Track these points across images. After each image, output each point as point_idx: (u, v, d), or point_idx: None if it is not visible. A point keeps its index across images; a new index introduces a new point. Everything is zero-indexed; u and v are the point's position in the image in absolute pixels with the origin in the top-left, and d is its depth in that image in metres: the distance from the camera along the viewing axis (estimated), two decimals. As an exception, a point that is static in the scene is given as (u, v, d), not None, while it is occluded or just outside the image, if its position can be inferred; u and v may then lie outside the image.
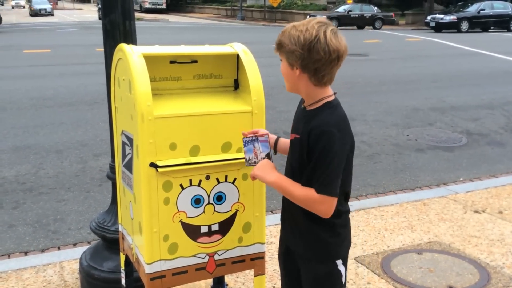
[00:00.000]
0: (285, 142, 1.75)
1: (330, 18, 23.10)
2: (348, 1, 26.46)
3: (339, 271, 1.59)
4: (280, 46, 1.52)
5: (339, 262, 1.59)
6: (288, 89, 1.59)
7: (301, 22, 1.50)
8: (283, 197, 1.63)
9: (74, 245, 3.14)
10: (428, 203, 3.76)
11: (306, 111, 1.55)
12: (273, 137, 1.76)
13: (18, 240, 3.19)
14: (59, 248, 3.09)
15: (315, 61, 1.44)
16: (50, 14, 37.99)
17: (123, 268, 2.12)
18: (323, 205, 1.45)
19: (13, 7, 52.73)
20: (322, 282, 1.59)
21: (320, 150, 1.43)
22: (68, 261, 2.81)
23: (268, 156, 1.61)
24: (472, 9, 22.93)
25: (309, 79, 1.49)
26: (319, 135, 1.44)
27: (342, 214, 1.58)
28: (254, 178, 1.62)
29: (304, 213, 1.55)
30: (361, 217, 3.47)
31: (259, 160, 1.62)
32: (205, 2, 41.48)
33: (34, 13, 37.06)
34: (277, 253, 1.80)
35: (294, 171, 1.55)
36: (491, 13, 22.74)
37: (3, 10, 47.49)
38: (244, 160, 1.66)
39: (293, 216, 1.61)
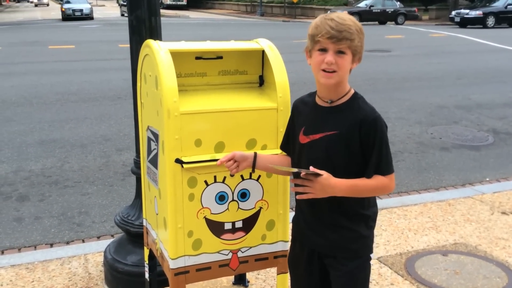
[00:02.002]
0: (265, 158, 1.66)
1: (351, 13, 22.66)
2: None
3: (370, 265, 1.61)
4: (351, 40, 1.43)
5: (372, 255, 1.61)
6: (333, 85, 1.48)
7: (344, 14, 1.48)
8: (307, 201, 1.56)
9: (98, 238, 3.19)
10: (454, 203, 3.67)
11: (333, 107, 1.52)
12: (249, 155, 1.63)
13: (44, 232, 3.27)
14: (83, 241, 3.15)
15: (363, 48, 1.49)
16: (88, 16, 27.39)
17: (147, 262, 2.14)
18: (391, 184, 1.52)
19: (36, 5, 49.41)
20: (357, 277, 1.58)
21: (379, 136, 1.47)
22: (92, 253, 2.85)
23: (316, 174, 1.44)
24: (499, 4, 22.23)
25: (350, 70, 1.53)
26: (374, 123, 1.47)
27: (371, 207, 1.58)
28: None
29: (338, 211, 1.54)
30: (384, 216, 3.42)
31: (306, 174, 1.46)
32: (225, -2, 41.57)
33: (66, 16, 26.97)
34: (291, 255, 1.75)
35: (335, 167, 1.48)
36: (519, 8, 22.02)
37: (29, 7, 48.50)
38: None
39: (323, 217, 1.57)
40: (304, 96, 1.64)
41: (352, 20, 1.46)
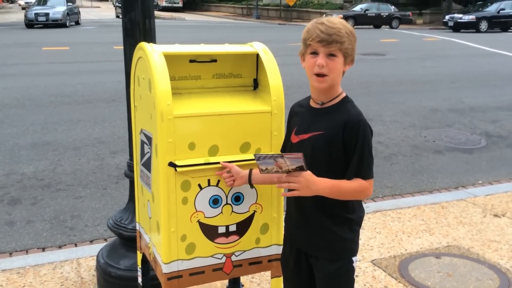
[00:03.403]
0: (258, 173, 1.65)
1: (346, 17, 22.86)
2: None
3: (353, 268, 1.62)
4: (341, 42, 1.46)
5: (355, 259, 1.61)
6: (326, 88, 1.52)
7: (335, 18, 1.51)
8: (294, 201, 1.61)
9: (91, 242, 3.17)
10: (447, 206, 3.69)
11: (323, 109, 1.56)
12: (244, 172, 1.67)
13: (36, 236, 3.24)
14: (76, 245, 3.12)
15: (354, 50, 1.52)
16: (59, 23, 19.52)
17: (140, 266, 2.13)
18: (370, 189, 1.52)
19: (23, 8, 48.78)
20: (339, 279, 1.59)
21: (361, 138, 1.48)
22: (85, 257, 2.83)
23: (301, 168, 1.45)
24: (492, 9, 22.47)
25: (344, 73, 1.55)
26: (357, 125, 1.48)
27: (356, 211, 1.60)
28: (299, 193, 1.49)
29: (323, 213, 1.56)
30: (378, 219, 3.43)
31: (285, 171, 1.48)
32: (221, 1, 41.55)
33: (28, 22, 19.31)
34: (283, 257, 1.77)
35: (320, 167, 1.51)
36: (511, 13, 22.24)
37: (19, 8, 47.77)
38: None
39: (308, 217, 1.59)
40: (302, 99, 1.69)
41: (342, 24, 1.49)
